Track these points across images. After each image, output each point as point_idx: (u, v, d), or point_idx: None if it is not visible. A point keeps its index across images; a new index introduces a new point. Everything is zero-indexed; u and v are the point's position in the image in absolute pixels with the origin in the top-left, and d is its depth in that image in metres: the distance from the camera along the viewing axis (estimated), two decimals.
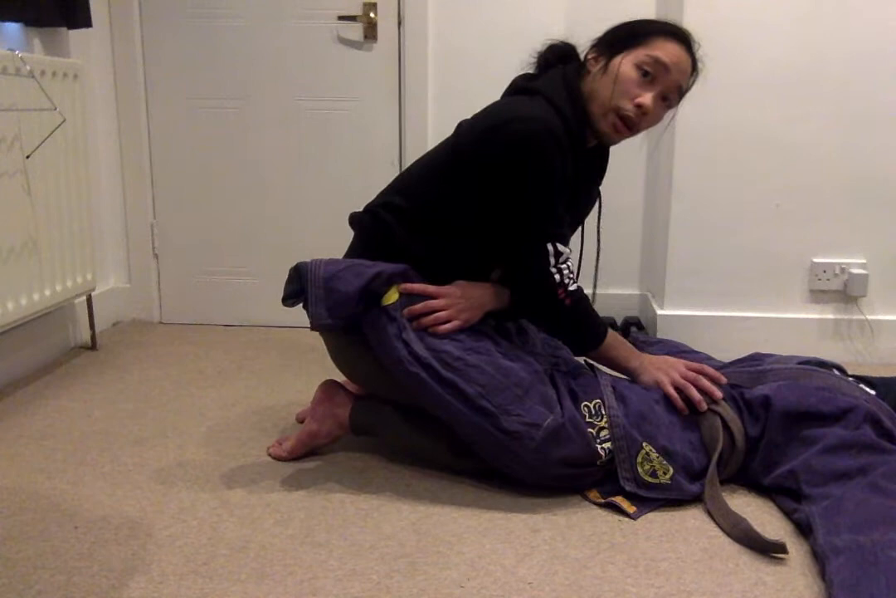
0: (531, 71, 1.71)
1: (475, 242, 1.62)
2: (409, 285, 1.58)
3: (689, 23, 2.29)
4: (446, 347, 1.53)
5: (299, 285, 1.56)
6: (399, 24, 2.55)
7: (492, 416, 1.49)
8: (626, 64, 1.57)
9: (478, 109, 1.64)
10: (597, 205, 1.81)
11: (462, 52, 2.57)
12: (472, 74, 2.55)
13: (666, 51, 1.57)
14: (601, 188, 1.80)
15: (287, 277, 1.58)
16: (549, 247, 1.57)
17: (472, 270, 1.65)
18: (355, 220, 1.73)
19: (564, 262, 1.59)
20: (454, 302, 1.58)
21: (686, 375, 1.62)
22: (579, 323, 1.65)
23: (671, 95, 1.61)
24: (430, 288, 1.59)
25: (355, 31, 2.57)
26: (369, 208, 1.71)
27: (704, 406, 1.57)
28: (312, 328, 1.59)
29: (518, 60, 1.70)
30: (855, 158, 2.33)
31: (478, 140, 1.57)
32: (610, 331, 1.67)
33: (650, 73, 1.56)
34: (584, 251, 1.85)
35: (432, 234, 1.63)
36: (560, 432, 1.49)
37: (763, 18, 2.28)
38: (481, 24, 2.56)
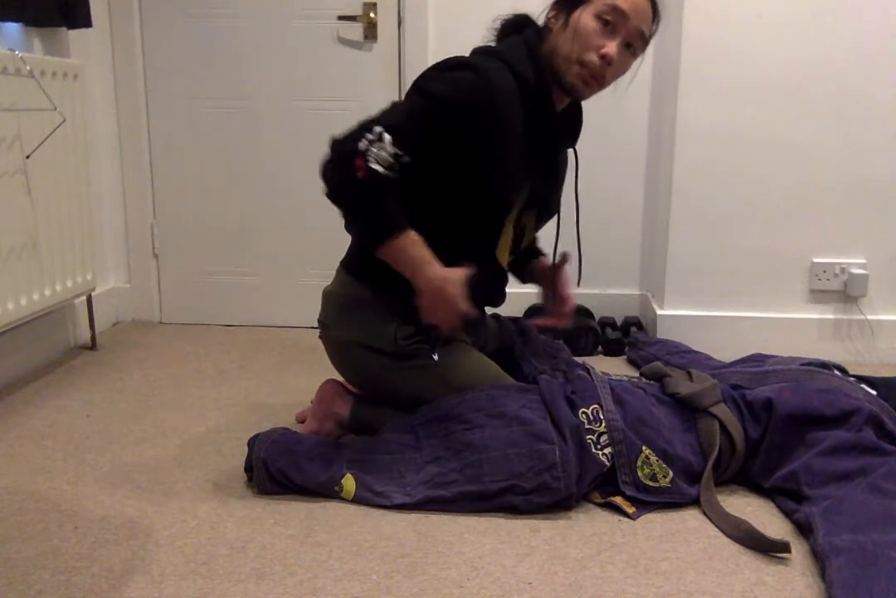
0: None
1: (467, 224, 1.60)
2: None
3: (689, 23, 2.30)
4: None
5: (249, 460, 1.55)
6: (399, 24, 2.55)
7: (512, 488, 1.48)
8: (585, 16, 1.55)
9: None
10: (574, 166, 1.75)
11: (462, 51, 2.55)
12: None
13: None
14: (577, 148, 1.76)
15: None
16: (377, 127, 1.47)
17: (472, 252, 1.61)
18: None
19: (379, 144, 1.45)
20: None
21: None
22: (369, 206, 1.49)
23: (635, 43, 1.57)
24: None
25: (355, 31, 2.57)
26: None
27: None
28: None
29: None
30: (855, 158, 2.33)
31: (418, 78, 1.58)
32: (411, 233, 1.50)
33: (610, 22, 1.54)
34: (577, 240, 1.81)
35: (423, 224, 1.57)
36: (567, 464, 1.47)
37: (763, 18, 2.28)
38: (482, 23, 2.54)
